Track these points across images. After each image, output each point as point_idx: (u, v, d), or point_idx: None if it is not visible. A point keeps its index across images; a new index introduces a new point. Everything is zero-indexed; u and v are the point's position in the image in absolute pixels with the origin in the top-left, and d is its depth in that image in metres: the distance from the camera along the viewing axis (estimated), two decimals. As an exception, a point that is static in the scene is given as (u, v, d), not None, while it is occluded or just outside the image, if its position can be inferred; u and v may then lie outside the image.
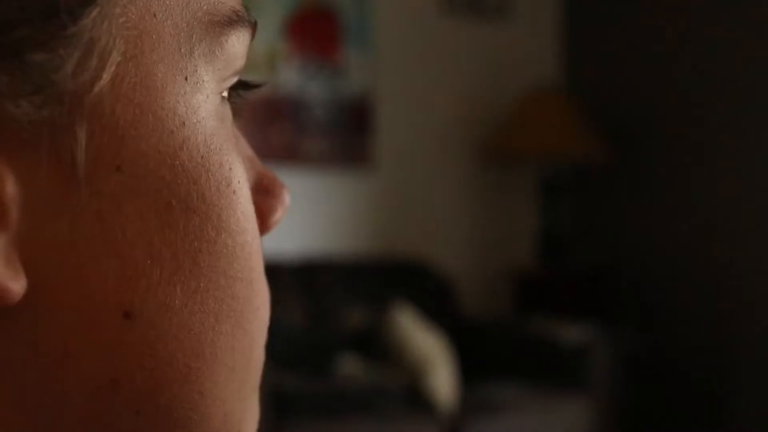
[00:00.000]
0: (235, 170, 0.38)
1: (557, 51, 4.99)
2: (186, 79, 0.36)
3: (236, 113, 0.42)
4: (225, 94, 0.39)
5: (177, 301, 0.36)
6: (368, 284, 4.14)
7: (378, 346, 3.82)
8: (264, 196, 0.43)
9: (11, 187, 0.32)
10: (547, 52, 4.97)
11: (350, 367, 3.72)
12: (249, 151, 0.43)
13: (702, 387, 4.34)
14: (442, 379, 3.61)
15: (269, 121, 4.23)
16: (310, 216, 4.35)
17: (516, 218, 4.86)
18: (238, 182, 0.38)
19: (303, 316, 3.96)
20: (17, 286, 0.32)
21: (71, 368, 0.34)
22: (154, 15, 0.35)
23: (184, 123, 0.36)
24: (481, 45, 4.76)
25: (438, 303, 4.25)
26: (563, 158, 4.58)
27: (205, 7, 0.37)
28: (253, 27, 0.40)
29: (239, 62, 0.39)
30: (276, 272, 4.01)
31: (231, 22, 0.38)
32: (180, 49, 0.36)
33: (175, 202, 0.36)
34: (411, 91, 4.60)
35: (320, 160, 4.34)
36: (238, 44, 0.39)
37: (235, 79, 0.40)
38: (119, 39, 0.34)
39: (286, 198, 0.44)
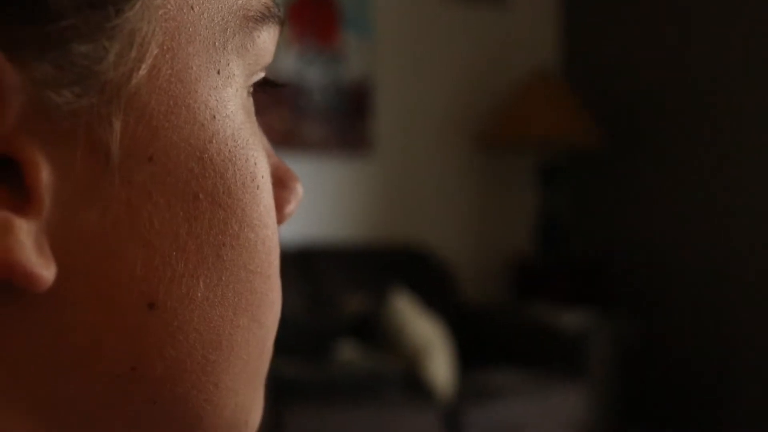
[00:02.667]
0: (260, 165, 0.38)
1: (555, 37, 4.98)
2: (218, 72, 0.37)
3: (258, 109, 0.43)
4: (250, 89, 0.40)
5: (199, 294, 0.36)
6: (367, 270, 4.14)
7: (376, 332, 3.82)
8: (279, 188, 0.43)
9: (46, 176, 0.32)
10: (545, 38, 4.96)
11: (348, 353, 3.72)
12: (266, 144, 0.43)
13: (699, 374, 4.35)
14: (440, 365, 3.61)
15: (268, 106, 4.22)
16: (308, 202, 4.34)
17: (514, 204, 4.85)
18: (262, 177, 0.39)
19: (301, 302, 3.96)
20: (48, 273, 0.33)
21: (94, 355, 0.35)
22: (192, 7, 0.36)
23: (214, 116, 0.36)
24: (479, 30, 4.75)
25: (436, 289, 4.25)
26: (561, 144, 4.57)
27: (240, 2, 0.38)
28: (282, 23, 0.41)
29: (268, 57, 0.40)
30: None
31: (263, 17, 0.39)
32: (214, 43, 0.37)
33: (203, 195, 0.36)
34: (410, 77, 4.59)
35: (319, 146, 4.34)
36: (268, 39, 0.39)
37: (261, 75, 0.40)
38: (158, 31, 0.34)
39: (299, 190, 0.45)
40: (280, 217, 0.44)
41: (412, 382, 3.57)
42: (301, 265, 4.05)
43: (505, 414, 3.62)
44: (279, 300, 0.42)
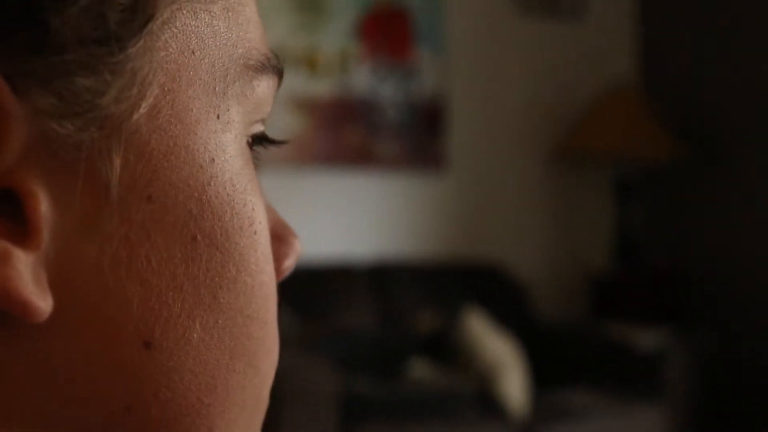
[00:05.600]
0: (257, 211, 0.39)
1: (632, 49, 4.92)
2: (218, 117, 0.37)
3: (256, 163, 0.43)
4: (250, 139, 0.40)
5: (195, 335, 0.36)
6: (440, 287, 4.12)
7: (449, 350, 3.79)
8: (278, 243, 0.44)
9: (46, 208, 0.33)
10: (622, 51, 4.90)
11: (420, 371, 3.70)
12: (266, 199, 0.44)
13: (782, 393, 4.25)
14: (514, 384, 3.58)
15: (341, 122, 4.23)
16: (382, 218, 4.34)
17: (590, 220, 4.80)
18: (260, 223, 0.39)
19: (374, 319, 3.95)
20: (44, 304, 0.33)
21: (88, 391, 0.35)
22: (193, 52, 0.36)
23: (213, 159, 0.37)
24: (554, 44, 4.71)
25: (510, 307, 4.21)
26: (638, 158, 4.51)
27: (240, 51, 0.38)
28: (281, 76, 0.41)
29: (266, 108, 0.40)
30: (348, 275, 4.01)
31: (263, 67, 0.39)
32: (215, 88, 0.37)
33: (200, 237, 0.36)
34: (484, 92, 4.56)
35: (392, 162, 4.33)
36: (267, 89, 0.40)
37: (260, 127, 0.41)
38: (159, 72, 0.35)
39: (297, 246, 0.45)
40: (279, 272, 0.43)
41: (485, 400, 3.53)
42: (373, 282, 4.04)
43: (580, 434, 3.57)
44: (276, 348, 0.41)
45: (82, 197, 0.33)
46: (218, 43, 0.37)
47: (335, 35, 4.21)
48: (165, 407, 0.36)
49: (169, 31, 0.35)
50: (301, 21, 4.15)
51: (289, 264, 0.44)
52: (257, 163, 0.43)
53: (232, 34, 0.38)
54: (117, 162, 0.34)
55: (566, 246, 4.74)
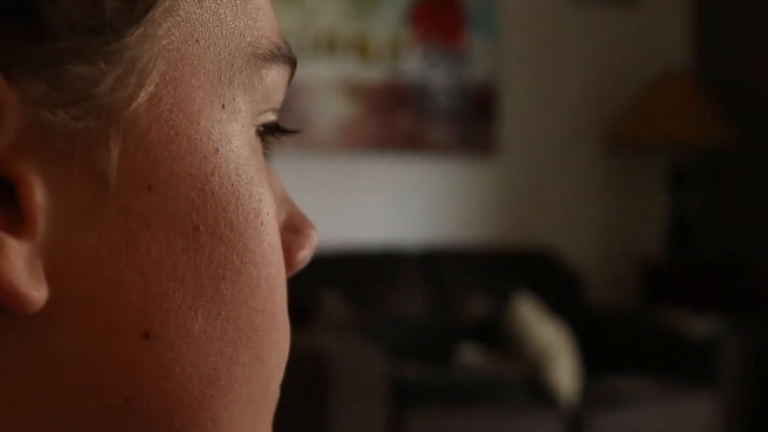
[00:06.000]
0: (264, 202, 0.38)
1: (686, 35, 4.86)
2: (223, 106, 0.37)
3: (268, 153, 0.43)
4: (260, 128, 0.40)
5: (197, 327, 0.36)
6: (491, 274, 4.11)
7: (499, 336, 3.79)
8: (292, 234, 0.43)
9: (41, 198, 0.32)
10: (677, 37, 4.85)
11: (470, 357, 3.70)
12: (282, 190, 0.44)
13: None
14: (564, 371, 3.56)
15: (393, 108, 4.23)
16: (432, 204, 4.33)
17: (643, 207, 4.75)
18: (267, 214, 0.38)
19: (424, 305, 3.95)
20: (37, 294, 0.32)
21: (86, 383, 0.34)
22: (197, 41, 0.36)
23: (217, 149, 0.36)
24: (608, 29, 4.66)
25: (562, 293, 4.19)
26: (692, 145, 4.46)
27: (248, 39, 0.38)
28: (293, 65, 0.41)
29: (277, 97, 0.40)
30: (398, 261, 4.02)
31: (273, 56, 0.39)
32: (220, 77, 0.37)
33: (203, 227, 0.36)
34: (536, 78, 4.54)
35: (443, 148, 4.33)
36: (277, 79, 0.39)
37: (271, 117, 0.40)
38: (160, 60, 0.35)
39: (314, 237, 0.44)
40: (294, 263, 0.43)
41: (535, 387, 3.52)
42: (424, 268, 4.04)
43: (631, 422, 3.55)
44: (285, 340, 0.41)
45: (79, 187, 0.33)
46: (224, 32, 0.37)
47: (386, 21, 4.21)
48: (165, 399, 0.36)
49: (171, 19, 0.35)
50: (353, 7, 4.15)
51: (304, 255, 0.44)
52: (268, 152, 0.42)
53: (239, 23, 0.38)
54: (115, 151, 0.33)
55: (619, 232, 4.71)
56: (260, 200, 0.38)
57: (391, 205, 4.27)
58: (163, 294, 0.35)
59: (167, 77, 0.35)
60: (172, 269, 0.35)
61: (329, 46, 4.11)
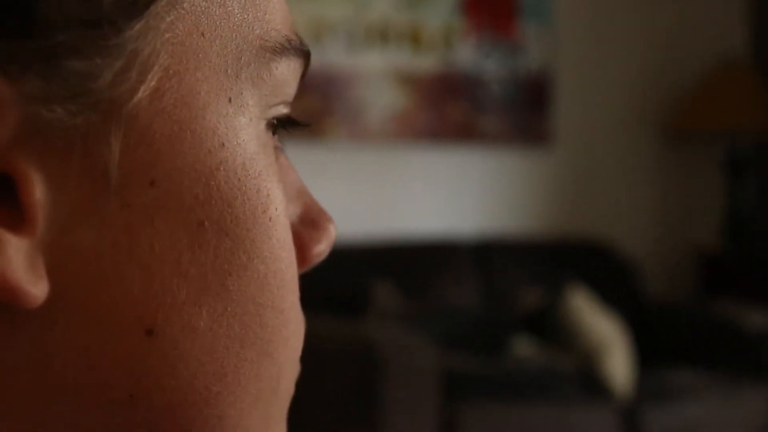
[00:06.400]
0: (273, 197, 0.38)
1: (743, 23, 4.79)
2: (230, 100, 0.36)
3: (281, 146, 0.42)
4: (273, 122, 0.39)
5: (202, 323, 0.36)
6: (544, 265, 4.09)
7: (553, 328, 3.76)
8: (309, 227, 0.43)
9: (40, 193, 0.32)
10: (733, 25, 4.78)
11: (523, 349, 3.68)
12: (299, 183, 0.44)
13: None
14: (619, 363, 3.53)
15: (445, 98, 4.21)
16: (485, 195, 4.31)
17: (700, 196, 4.70)
18: (276, 209, 0.38)
19: (477, 297, 3.94)
20: (37, 290, 0.32)
21: (88, 379, 0.34)
22: (203, 34, 0.35)
23: (223, 144, 0.36)
24: (664, 17, 4.61)
25: (617, 285, 4.16)
26: (749, 134, 4.40)
27: (257, 32, 0.38)
28: (307, 58, 0.40)
29: (288, 90, 0.39)
30: (451, 252, 4.00)
31: (283, 49, 0.38)
32: (227, 70, 0.36)
33: (208, 223, 0.35)
34: (590, 67, 4.50)
35: (497, 138, 4.30)
36: (287, 72, 0.39)
37: (283, 110, 0.40)
38: (163, 54, 0.34)
39: (332, 231, 0.44)
40: (309, 257, 0.43)
41: (588, 379, 3.50)
42: (477, 259, 4.03)
43: (686, 415, 3.51)
44: (297, 336, 0.40)
45: (80, 182, 0.33)
46: (231, 25, 0.37)
47: (439, 10, 4.19)
48: (170, 395, 0.36)
49: (175, 12, 0.35)
50: (405, -4, 4.13)
51: (321, 250, 0.43)
52: (281, 146, 0.42)
53: (248, 15, 0.37)
54: (116, 146, 0.33)
55: (675, 223, 4.66)
56: (268, 195, 0.38)
57: (444, 195, 4.26)
58: (166, 290, 0.35)
59: (171, 71, 0.34)
60: (176, 265, 0.35)
61: (382, 35, 4.10)
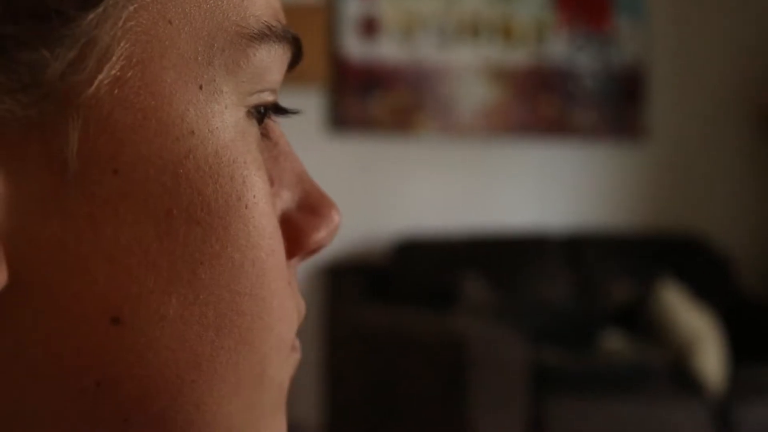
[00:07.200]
0: (249, 185, 0.37)
1: None
2: (200, 87, 0.36)
3: (269, 134, 0.42)
4: (261, 109, 0.39)
5: (171, 311, 0.35)
6: (637, 259, 4.05)
7: (643, 322, 3.73)
8: (307, 214, 0.43)
9: None
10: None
11: (614, 343, 3.65)
12: (299, 169, 0.43)
13: None
14: (711, 358, 3.49)
15: (537, 92, 4.20)
16: (578, 189, 4.29)
17: (799, 191, 4.61)
18: (253, 196, 0.37)
19: (568, 291, 3.92)
20: None
21: (57, 368, 0.34)
22: (170, 22, 0.35)
23: (193, 131, 0.35)
24: (760, 7, 4.52)
25: (712, 280, 4.10)
26: None
27: (233, 18, 0.37)
28: (293, 44, 0.40)
29: (271, 78, 0.39)
30: (542, 246, 3.99)
31: (262, 35, 0.38)
32: (197, 58, 0.36)
33: (177, 211, 0.35)
34: (685, 59, 4.44)
35: (589, 132, 4.28)
36: (268, 59, 0.38)
37: (268, 97, 0.39)
38: (124, 43, 0.34)
39: (335, 218, 0.43)
40: (307, 244, 0.42)
41: (679, 375, 3.46)
42: (568, 253, 4.01)
43: (780, 412, 3.45)
44: (281, 325, 0.40)
45: (38, 173, 0.33)
46: (203, 12, 0.36)
47: (531, 4, 4.18)
48: (139, 384, 0.35)
49: (137, 0, 0.34)
50: (497, -10, 4.13)
51: (321, 237, 0.43)
52: (279, 131, 0.42)
53: (221, 2, 0.37)
54: (74, 136, 0.33)
55: (773, 218, 4.57)
56: (244, 182, 0.37)
57: (535, 189, 4.25)
58: (133, 279, 0.34)
59: (134, 59, 0.34)
60: (143, 255, 0.34)
61: (473, 30, 4.11)
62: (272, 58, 0.38)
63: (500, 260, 3.89)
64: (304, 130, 3.89)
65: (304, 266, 3.87)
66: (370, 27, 3.97)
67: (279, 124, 0.44)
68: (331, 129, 3.94)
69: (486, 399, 3.11)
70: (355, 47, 3.95)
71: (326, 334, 3.63)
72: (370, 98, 3.95)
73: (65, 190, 0.33)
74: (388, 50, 3.99)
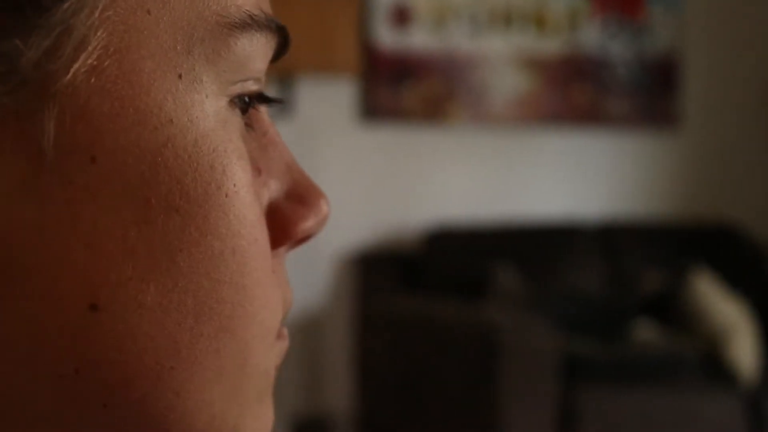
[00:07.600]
0: (230, 174, 0.38)
1: None
2: (180, 77, 0.36)
3: (254, 123, 0.42)
4: (245, 99, 0.40)
5: (149, 298, 0.35)
6: (670, 248, 4.03)
7: (676, 312, 3.71)
8: (295, 203, 0.43)
9: None
10: None
11: (646, 332, 3.64)
12: (288, 158, 0.43)
13: None
14: (745, 348, 3.47)
15: (570, 80, 4.18)
16: (610, 178, 4.28)
17: (835, 180, 4.57)
18: (233, 185, 0.38)
19: (600, 280, 3.91)
20: None
21: (36, 353, 0.35)
22: (148, 11, 0.35)
23: (171, 120, 0.36)
24: (798, -4, 4.48)
25: (746, 269, 4.07)
26: None
27: (213, 7, 0.37)
28: (278, 33, 0.40)
29: (254, 67, 0.39)
30: (575, 235, 3.99)
31: (243, 25, 0.38)
32: (176, 47, 0.36)
33: (155, 200, 0.35)
34: (719, 48, 4.40)
35: (622, 121, 4.26)
36: (250, 48, 0.39)
37: (252, 87, 0.40)
38: (101, 32, 0.34)
39: (323, 207, 0.43)
40: (294, 233, 0.43)
41: (712, 365, 3.44)
42: (601, 242, 4.00)
43: (813, 403, 3.43)
44: (265, 312, 0.40)
45: (15, 159, 0.33)
46: (183, 1, 0.36)
47: (564, -8, 4.16)
48: (118, 370, 0.35)
49: None
50: (530, -21, 4.12)
51: (309, 226, 0.43)
52: (268, 120, 0.42)
53: None
54: (49, 123, 0.33)
55: (808, 207, 4.54)
56: (224, 172, 0.37)
57: (568, 178, 4.24)
58: (111, 266, 0.35)
59: (111, 49, 0.34)
60: (121, 241, 0.35)
61: (506, 18, 4.10)
62: (254, 48, 0.39)
63: (532, 250, 3.89)
64: (336, 120, 3.90)
65: (336, 255, 3.88)
66: (401, 16, 3.97)
67: (267, 113, 0.44)
68: (363, 119, 3.95)
69: (516, 388, 3.11)
70: (386, 37, 3.95)
71: (358, 322, 3.65)
72: (401, 88, 3.96)
73: (43, 176, 0.33)
74: (419, 39, 3.98)
